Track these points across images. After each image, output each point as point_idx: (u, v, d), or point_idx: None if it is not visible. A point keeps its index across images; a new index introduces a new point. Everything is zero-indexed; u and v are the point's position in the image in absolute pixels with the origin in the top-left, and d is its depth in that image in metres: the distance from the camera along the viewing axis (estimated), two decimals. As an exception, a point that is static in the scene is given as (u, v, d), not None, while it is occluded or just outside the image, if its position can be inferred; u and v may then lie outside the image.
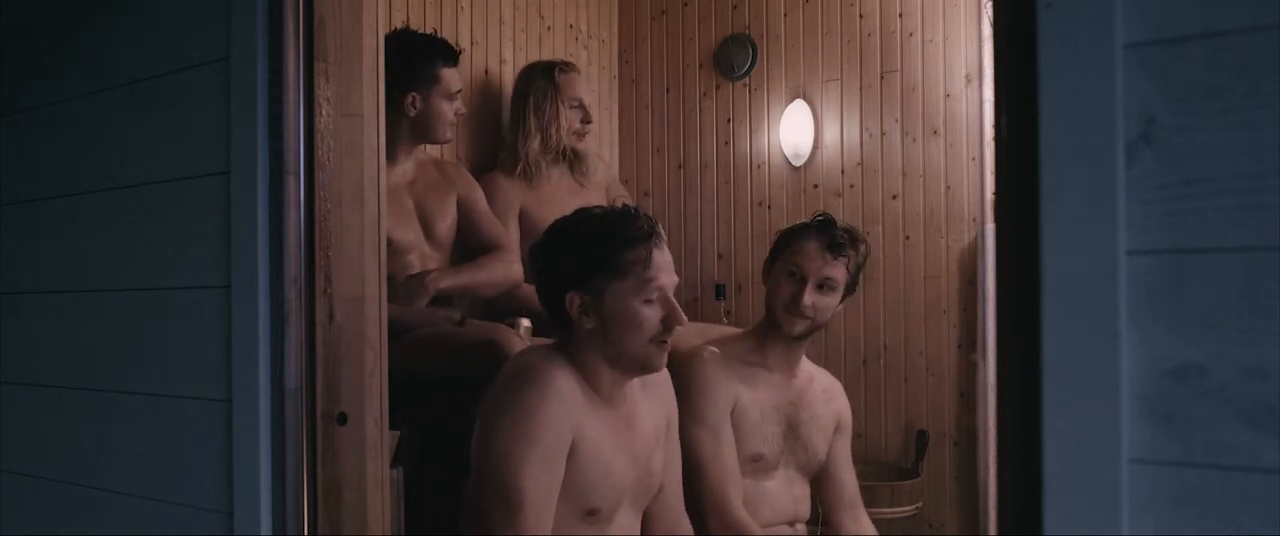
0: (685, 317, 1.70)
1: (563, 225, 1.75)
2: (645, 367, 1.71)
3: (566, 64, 2.77)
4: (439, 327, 2.23)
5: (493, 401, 1.66)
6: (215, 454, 1.46)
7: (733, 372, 2.05)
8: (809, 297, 2.01)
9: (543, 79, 2.71)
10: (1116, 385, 0.87)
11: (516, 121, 2.73)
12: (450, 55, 2.37)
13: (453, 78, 2.37)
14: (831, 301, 2.05)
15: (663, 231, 1.72)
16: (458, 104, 2.39)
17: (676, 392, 1.93)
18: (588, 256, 1.66)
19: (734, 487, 1.98)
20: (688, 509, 1.92)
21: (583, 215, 1.74)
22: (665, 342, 1.69)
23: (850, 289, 2.08)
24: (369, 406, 1.47)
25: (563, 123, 2.68)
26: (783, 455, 2.10)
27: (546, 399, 1.61)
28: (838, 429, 2.18)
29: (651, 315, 1.66)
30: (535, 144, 2.68)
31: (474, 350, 2.06)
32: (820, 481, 2.18)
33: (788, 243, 2.07)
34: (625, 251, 1.65)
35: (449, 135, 2.42)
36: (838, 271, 2.03)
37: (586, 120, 2.73)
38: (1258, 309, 0.82)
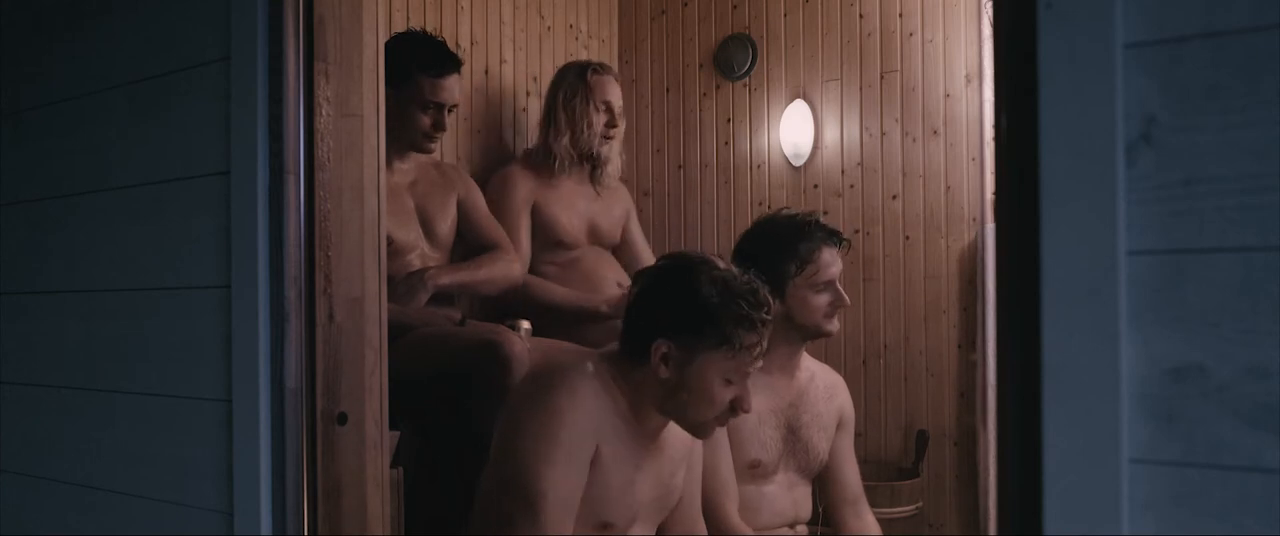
0: (751, 406, 1.66)
1: (683, 268, 1.65)
2: (693, 433, 1.69)
3: (600, 65, 2.75)
4: (439, 328, 2.23)
5: (518, 400, 1.65)
6: (215, 454, 1.46)
7: None
8: (844, 295, 2.05)
9: (575, 78, 2.70)
10: (1116, 385, 0.87)
11: (549, 118, 2.72)
12: (434, 65, 2.30)
13: (432, 88, 2.30)
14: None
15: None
16: (434, 115, 2.31)
17: None
18: (701, 316, 1.58)
19: (729, 497, 1.96)
20: None
21: (706, 268, 1.64)
22: (725, 421, 1.66)
23: None
24: (369, 406, 1.47)
25: (591, 122, 2.67)
26: (782, 459, 2.09)
27: (573, 403, 1.58)
28: (840, 426, 2.18)
29: (726, 395, 1.62)
30: (566, 140, 2.67)
31: (474, 351, 2.06)
32: (823, 478, 2.17)
33: (802, 262, 2.02)
34: (738, 329, 1.58)
35: (426, 146, 2.35)
36: (841, 259, 2.08)
37: (612, 124, 2.70)
38: (1258, 309, 0.82)
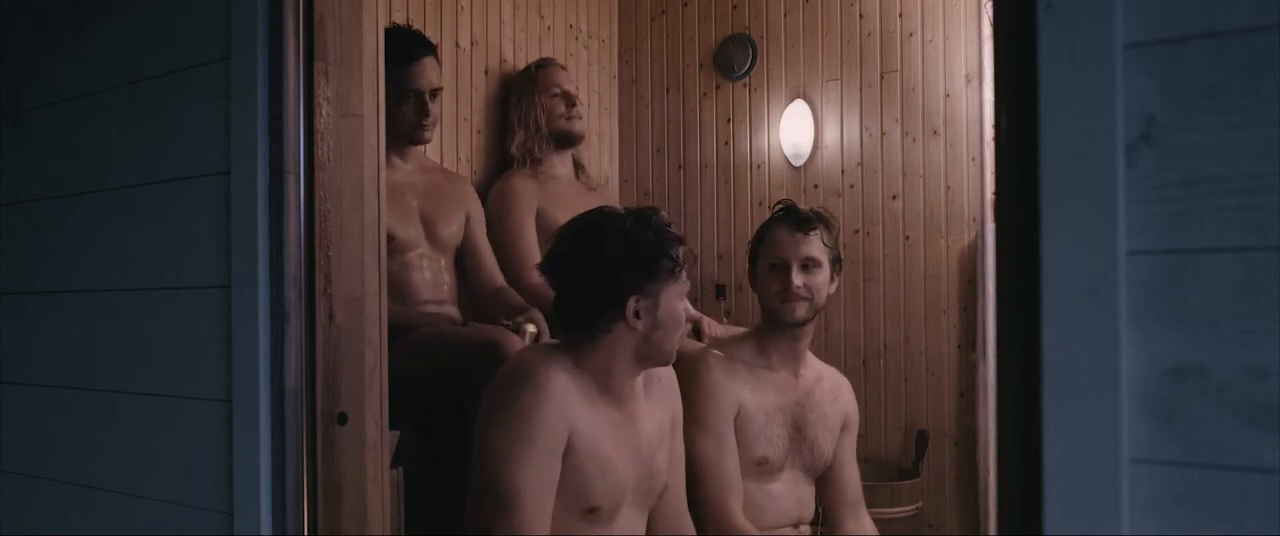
0: (695, 313, 1.76)
1: (611, 228, 1.70)
2: (668, 360, 1.77)
3: (544, 60, 2.84)
4: (439, 328, 2.23)
5: (490, 401, 1.67)
6: (215, 454, 1.46)
7: (736, 377, 2.04)
8: (797, 278, 2.03)
9: (521, 79, 2.80)
10: (1116, 385, 0.87)
11: (504, 124, 2.82)
12: (402, 54, 2.28)
13: (407, 76, 2.29)
14: (821, 279, 2.06)
15: None
16: (415, 103, 2.31)
17: (680, 394, 1.93)
18: (653, 259, 1.67)
19: (734, 495, 1.97)
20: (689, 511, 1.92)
21: (620, 219, 1.71)
22: (685, 334, 1.78)
23: (836, 264, 2.10)
24: (369, 406, 1.47)
25: (543, 112, 2.73)
26: (788, 457, 2.09)
27: (540, 398, 1.60)
28: (844, 427, 2.18)
29: (684, 313, 1.74)
30: (518, 138, 2.74)
31: (474, 350, 2.06)
32: (823, 480, 2.18)
33: (759, 241, 2.11)
34: (675, 248, 1.70)
35: (421, 136, 2.36)
36: (814, 248, 2.06)
37: (571, 104, 2.75)
38: (1258, 309, 0.82)
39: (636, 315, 1.67)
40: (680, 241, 1.71)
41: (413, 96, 2.32)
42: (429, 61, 2.35)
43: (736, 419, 2.02)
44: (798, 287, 2.03)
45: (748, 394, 2.04)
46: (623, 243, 1.68)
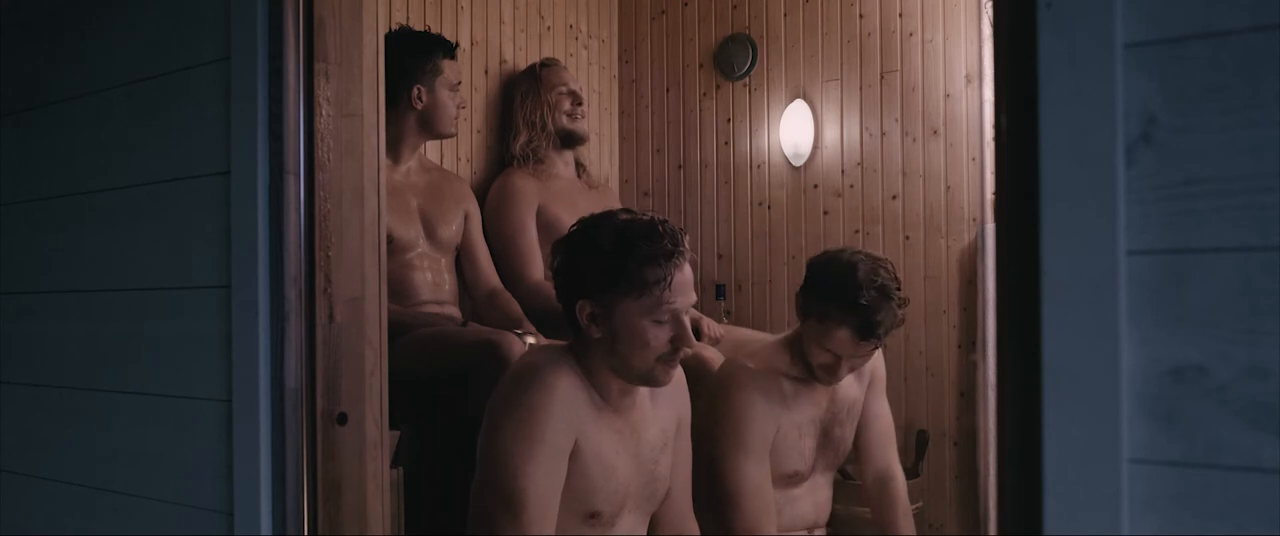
0: (694, 341, 1.64)
1: (586, 227, 1.67)
2: (648, 382, 1.67)
3: (548, 60, 2.86)
4: (440, 328, 2.23)
5: (498, 402, 1.66)
6: (215, 454, 1.46)
7: (774, 395, 1.98)
8: (843, 372, 1.96)
9: (526, 79, 2.81)
10: (1116, 385, 0.87)
11: (507, 123, 2.83)
12: (448, 47, 2.41)
13: (453, 70, 2.41)
14: (863, 363, 2.00)
15: (687, 248, 1.64)
16: (459, 97, 2.43)
17: (717, 412, 1.90)
18: (603, 267, 1.60)
19: (770, 521, 1.94)
20: (711, 529, 1.90)
21: (606, 221, 1.66)
22: (672, 361, 1.65)
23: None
24: (369, 406, 1.47)
25: (550, 111, 2.74)
26: (815, 463, 2.07)
27: (549, 400, 1.59)
28: (870, 385, 2.14)
29: (661, 335, 1.61)
30: (522, 137, 2.75)
31: (474, 351, 2.06)
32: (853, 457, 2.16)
33: (822, 312, 1.91)
34: (643, 269, 1.58)
35: (454, 129, 2.45)
36: (870, 350, 1.93)
37: (577, 102, 2.77)
38: (1258, 309, 0.82)
39: (592, 321, 1.62)
40: (658, 262, 1.58)
41: (458, 88, 2.43)
42: None
43: (773, 438, 1.98)
44: (841, 375, 1.97)
45: (785, 412, 1.99)
46: (584, 243, 1.64)
